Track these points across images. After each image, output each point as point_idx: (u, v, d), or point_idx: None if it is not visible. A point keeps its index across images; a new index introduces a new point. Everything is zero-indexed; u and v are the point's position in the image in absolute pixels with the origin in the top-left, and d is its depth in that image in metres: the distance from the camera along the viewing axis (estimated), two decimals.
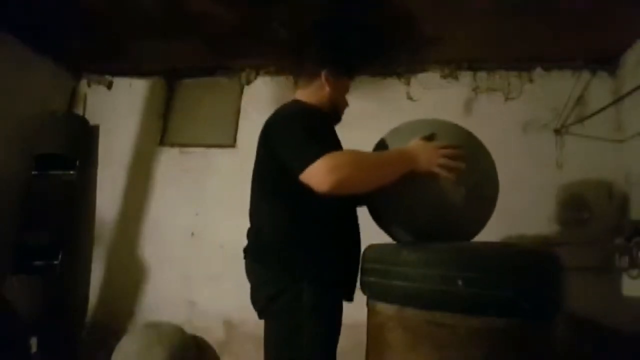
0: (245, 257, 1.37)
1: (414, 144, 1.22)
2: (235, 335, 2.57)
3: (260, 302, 1.28)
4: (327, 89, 1.43)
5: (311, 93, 1.44)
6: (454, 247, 1.17)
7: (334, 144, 1.33)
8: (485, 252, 1.16)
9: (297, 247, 1.25)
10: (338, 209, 1.31)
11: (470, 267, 1.08)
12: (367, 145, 2.87)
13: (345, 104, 1.54)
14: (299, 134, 1.20)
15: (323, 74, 1.42)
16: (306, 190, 1.14)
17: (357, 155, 1.19)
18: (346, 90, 1.54)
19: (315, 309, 1.19)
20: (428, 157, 1.17)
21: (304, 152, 1.15)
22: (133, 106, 3.05)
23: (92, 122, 3.01)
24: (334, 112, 1.48)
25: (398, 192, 1.21)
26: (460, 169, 1.16)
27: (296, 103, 1.42)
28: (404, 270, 1.14)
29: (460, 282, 1.06)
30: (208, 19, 2.33)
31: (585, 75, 2.52)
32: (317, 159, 1.11)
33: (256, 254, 1.33)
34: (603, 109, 2.30)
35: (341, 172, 1.10)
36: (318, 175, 1.10)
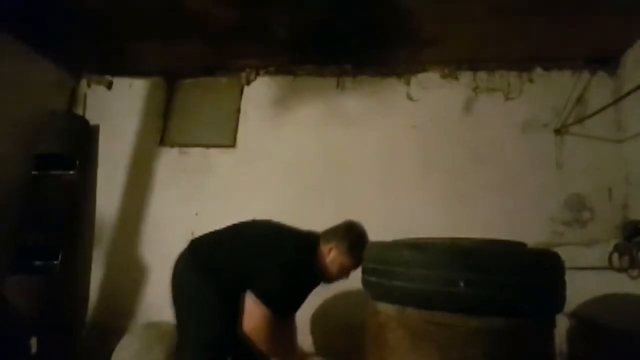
0: None
1: None
2: None
3: None
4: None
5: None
6: (455, 247, 1.17)
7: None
8: (486, 252, 1.16)
9: None
10: None
11: (471, 268, 1.08)
12: (367, 144, 2.86)
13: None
14: None
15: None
16: None
17: None
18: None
19: None
20: None
21: None
22: (133, 106, 3.04)
23: (92, 122, 3.00)
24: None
25: None
26: None
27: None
28: (405, 270, 1.14)
29: (462, 284, 1.06)
30: (208, 19, 2.33)
31: (585, 75, 2.52)
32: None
33: None
34: (603, 109, 2.30)
35: None
36: None
